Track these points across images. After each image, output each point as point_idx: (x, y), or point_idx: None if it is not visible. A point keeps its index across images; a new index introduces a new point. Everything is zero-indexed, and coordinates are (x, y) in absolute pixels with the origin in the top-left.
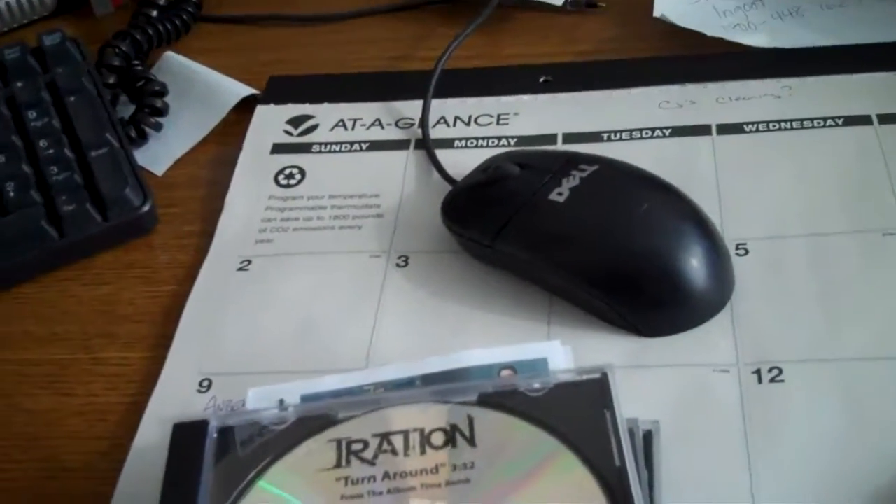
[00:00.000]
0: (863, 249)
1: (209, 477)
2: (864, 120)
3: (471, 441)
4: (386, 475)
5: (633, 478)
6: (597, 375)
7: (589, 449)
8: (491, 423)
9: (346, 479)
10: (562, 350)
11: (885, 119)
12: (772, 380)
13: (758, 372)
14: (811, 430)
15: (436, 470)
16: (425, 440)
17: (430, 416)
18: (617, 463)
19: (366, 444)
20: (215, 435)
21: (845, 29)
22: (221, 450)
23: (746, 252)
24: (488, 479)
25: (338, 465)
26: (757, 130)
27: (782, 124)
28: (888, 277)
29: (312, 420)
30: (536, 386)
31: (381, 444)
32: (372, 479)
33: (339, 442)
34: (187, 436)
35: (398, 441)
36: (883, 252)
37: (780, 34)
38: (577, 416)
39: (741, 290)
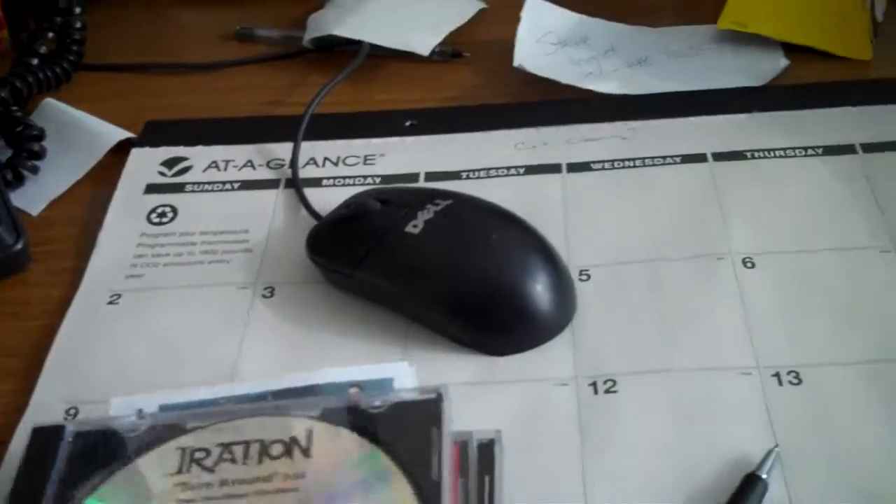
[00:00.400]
0: (696, 273)
1: (58, 479)
2: (700, 158)
3: (306, 453)
4: (223, 482)
5: (447, 492)
6: (433, 395)
7: (412, 463)
8: (328, 436)
9: (185, 484)
10: (408, 370)
11: (719, 157)
12: (606, 391)
13: (594, 384)
14: (641, 435)
15: (269, 478)
16: (264, 450)
17: (274, 428)
18: (435, 477)
19: (208, 453)
20: (70, 439)
21: (687, 77)
22: (76, 453)
23: (589, 277)
24: (314, 488)
25: (179, 471)
26: (603, 168)
27: (626, 163)
28: (717, 296)
29: (164, 429)
30: (377, 403)
31: (222, 454)
32: (209, 485)
33: (184, 450)
34: (43, 439)
35: (239, 451)
36: (714, 274)
37: (629, 81)
38: (408, 433)
39: (583, 312)
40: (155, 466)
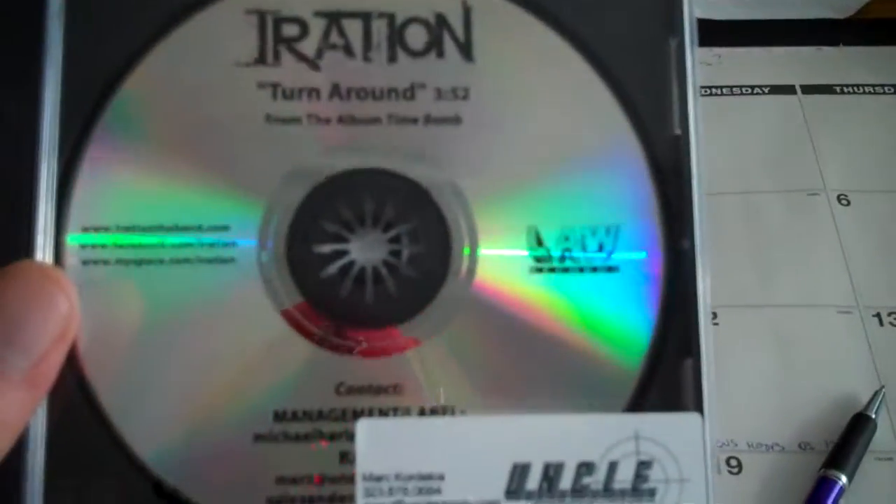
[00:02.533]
0: (789, 208)
1: None
2: (788, 90)
3: (465, 49)
4: (335, 90)
5: (697, 155)
6: None
7: (640, 97)
8: (499, 20)
9: (275, 87)
10: None
11: (808, 90)
12: None
13: None
14: (746, 369)
15: (410, 93)
16: (396, 36)
17: None
18: (676, 130)
19: (304, 29)
20: None
21: (773, 5)
22: None
23: None
24: (486, 121)
25: (261, 59)
26: None
27: (713, 90)
28: (811, 233)
29: None
30: None
31: (327, 34)
32: (313, 94)
33: (261, 15)
34: None
35: (354, 29)
36: (807, 210)
37: (713, 7)
38: (626, 38)
39: None
40: (213, 43)
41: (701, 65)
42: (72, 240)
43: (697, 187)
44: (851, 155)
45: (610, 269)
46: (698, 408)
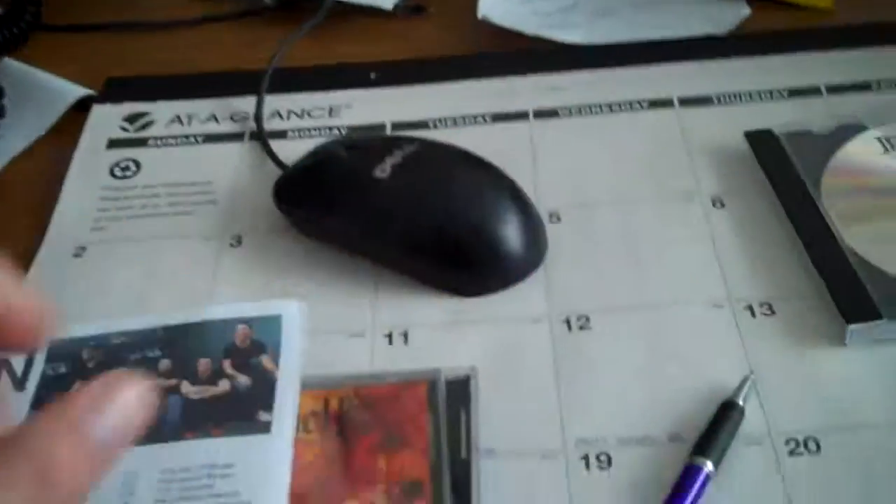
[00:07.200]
0: (662, 213)
1: None
2: (666, 103)
3: None
4: None
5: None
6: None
7: None
8: None
9: None
10: (297, 309)
11: (684, 102)
12: (580, 327)
13: (567, 321)
14: (617, 368)
15: None
16: None
17: None
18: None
19: None
20: None
21: (652, 27)
22: None
23: (559, 219)
24: None
25: None
26: (570, 115)
27: (593, 108)
28: (683, 235)
29: None
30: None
31: None
32: None
33: None
34: None
35: None
36: (679, 215)
37: (595, 32)
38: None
39: (554, 252)
40: None
41: (581, 86)
42: None
43: None
44: (726, 160)
45: None
46: None
